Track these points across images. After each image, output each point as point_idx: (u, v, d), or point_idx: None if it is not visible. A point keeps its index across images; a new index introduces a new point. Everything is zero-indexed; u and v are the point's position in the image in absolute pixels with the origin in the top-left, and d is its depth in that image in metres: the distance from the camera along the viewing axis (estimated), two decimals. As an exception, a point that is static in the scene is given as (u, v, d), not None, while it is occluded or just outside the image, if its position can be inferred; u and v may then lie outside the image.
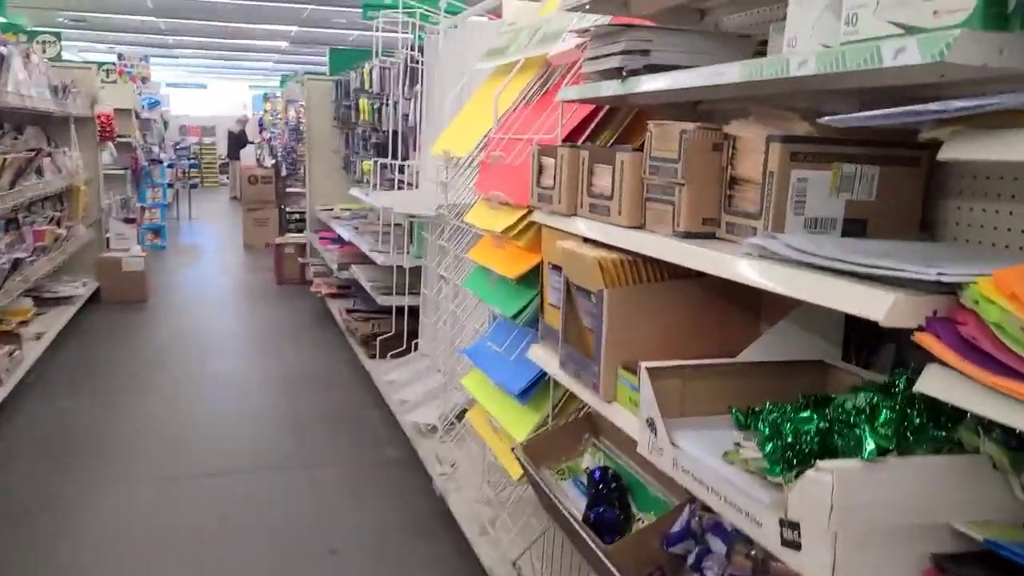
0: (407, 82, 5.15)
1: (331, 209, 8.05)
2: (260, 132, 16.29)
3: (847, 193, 1.53)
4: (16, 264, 4.83)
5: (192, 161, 18.49)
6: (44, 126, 7.11)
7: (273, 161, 12.28)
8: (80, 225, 7.08)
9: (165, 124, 13.58)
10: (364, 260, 6.10)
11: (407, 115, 5.40)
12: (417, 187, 5.09)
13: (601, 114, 2.40)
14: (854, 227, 1.55)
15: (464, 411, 3.63)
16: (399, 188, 5.36)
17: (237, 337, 6.62)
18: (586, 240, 2.08)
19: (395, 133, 6.20)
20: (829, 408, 1.41)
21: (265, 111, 15.42)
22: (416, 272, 5.00)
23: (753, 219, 1.55)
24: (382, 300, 5.14)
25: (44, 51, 7.81)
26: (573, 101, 2.29)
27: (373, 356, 5.26)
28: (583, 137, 2.40)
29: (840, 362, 1.68)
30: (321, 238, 7.90)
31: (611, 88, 1.97)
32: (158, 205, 10.91)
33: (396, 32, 5.12)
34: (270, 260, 9.61)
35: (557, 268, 2.24)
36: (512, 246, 2.51)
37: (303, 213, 10.07)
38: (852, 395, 1.40)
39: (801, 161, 1.49)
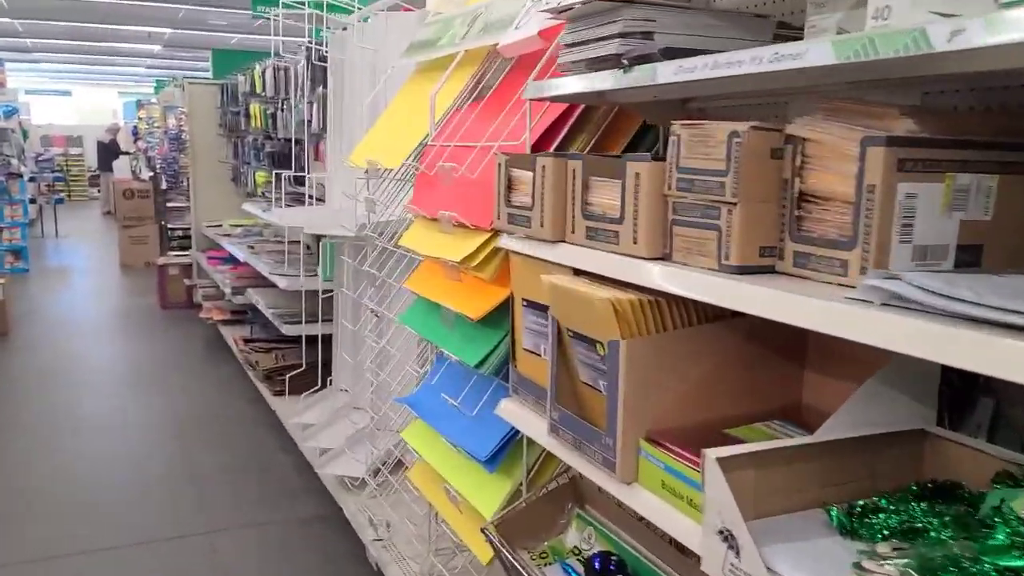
0: (309, 83, 4.60)
1: (220, 225, 7.35)
2: (135, 142, 15.12)
3: (960, 211, 1.17)
4: None
5: (57, 174, 17.01)
6: None
7: (151, 173, 11.32)
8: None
9: (25, 134, 12.33)
10: (263, 283, 5.49)
11: (309, 120, 4.85)
12: (324, 202, 4.55)
13: (574, 116, 1.99)
14: (968, 255, 1.19)
15: (398, 461, 3.15)
16: (304, 203, 4.80)
17: (118, 373, 5.85)
18: (577, 272, 1.66)
19: (295, 141, 5.63)
20: (970, 508, 1.04)
21: (140, 119, 14.30)
22: (326, 296, 4.46)
23: (842, 249, 1.16)
24: (288, 329, 4.56)
25: None
26: (547, 99, 1.87)
27: (280, 393, 4.67)
28: (554, 144, 1.98)
29: (938, 428, 1.32)
30: (210, 258, 7.18)
31: (607, 81, 1.56)
32: (18, 224, 9.81)
33: (296, 25, 4.57)
34: (152, 282, 8.77)
35: (537, 307, 1.81)
36: (470, 277, 2.06)
37: (187, 229, 9.27)
38: (1007, 489, 1.03)
39: (910, 171, 1.12)
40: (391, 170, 2.71)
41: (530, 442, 2.01)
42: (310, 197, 4.84)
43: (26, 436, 4.49)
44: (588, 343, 1.52)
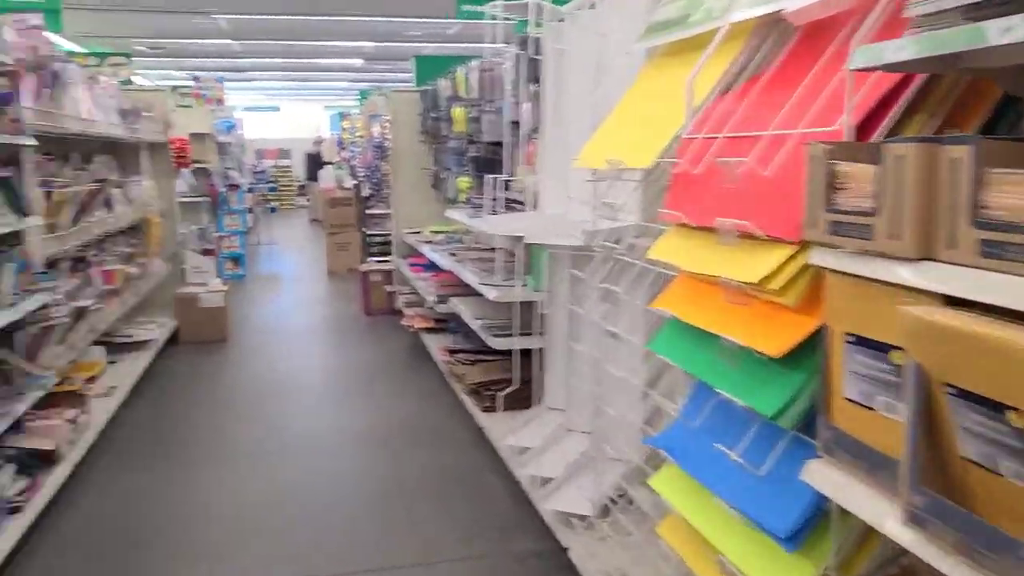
0: (520, 82, 4.33)
1: (419, 232, 7.32)
2: (339, 152, 15.82)
3: None
4: (80, 313, 4.20)
5: (270, 185, 18.19)
6: (114, 154, 6.59)
7: (354, 182, 11.68)
8: (156, 260, 6.51)
9: (243, 148, 13.19)
10: (466, 291, 5.31)
11: (517, 122, 4.59)
12: (532, 208, 4.27)
13: (909, 91, 1.51)
14: None
15: (623, 492, 2.77)
16: (511, 209, 4.55)
17: (326, 382, 5.91)
18: (951, 302, 1.20)
19: (499, 144, 5.41)
20: None
21: (343, 129, 14.91)
22: (532, 307, 4.17)
23: None
24: (496, 342, 4.31)
25: (115, 73, 7.35)
26: (882, 68, 1.41)
27: (489, 409, 4.44)
28: (879, 129, 1.51)
29: None
30: (411, 265, 7.17)
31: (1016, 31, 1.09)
32: (237, 232, 10.42)
33: (500, 21, 4.33)
34: (355, 288, 8.96)
35: (871, 345, 1.36)
36: (760, 302, 1.63)
37: (386, 236, 9.43)
38: None
39: None
40: (644, 169, 2.33)
41: (843, 515, 1.55)
42: (518, 203, 4.58)
43: (245, 449, 4.53)
44: (991, 409, 1.06)
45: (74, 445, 3.89)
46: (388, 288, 8.14)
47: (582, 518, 2.99)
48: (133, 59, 8.47)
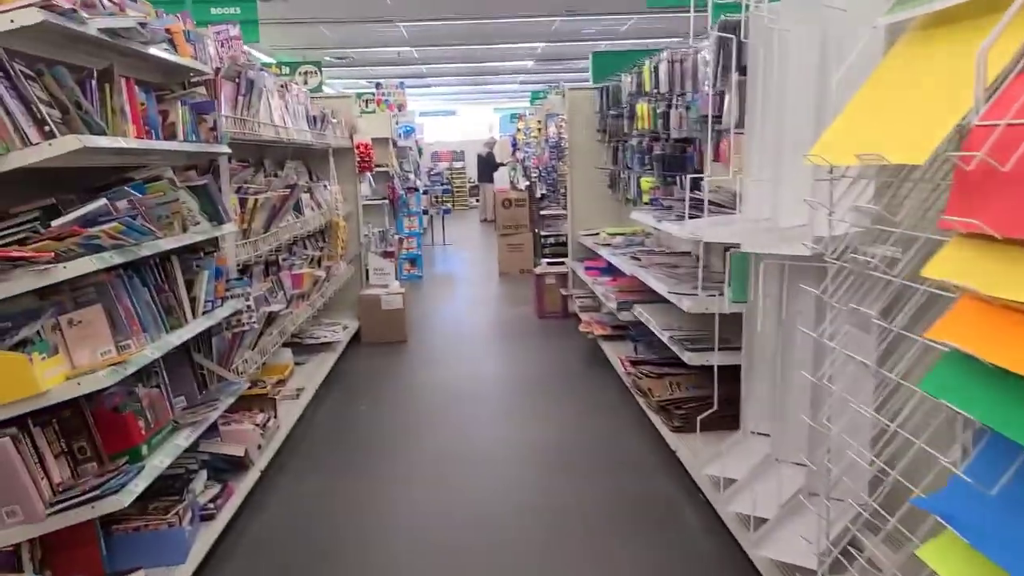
0: (719, 72, 3.92)
1: (596, 234, 7.01)
2: (512, 153, 15.82)
3: None
4: (271, 318, 4.22)
5: (444, 186, 18.54)
6: (305, 159, 6.75)
7: (527, 182, 11.56)
8: (340, 263, 6.60)
9: (419, 151, 13.43)
10: (650, 298, 4.95)
11: (716, 115, 4.17)
12: (738, 210, 3.83)
13: None
14: None
15: (855, 543, 2.32)
16: (702, 211, 4.13)
17: (501, 388, 5.73)
18: None
19: (688, 141, 5.00)
20: None
21: (518, 130, 14.88)
22: (730, 319, 3.74)
23: None
24: (692, 358, 3.92)
25: (306, 82, 7.56)
26: None
27: (680, 430, 4.07)
28: None
29: None
30: (587, 268, 6.87)
31: None
32: (414, 234, 10.56)
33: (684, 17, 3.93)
34: (527, 290, 8.79)
35: None
36: None
37: (559, 237, 9.20)
38: None
39: None
40: (918, 167, 1.89)
41: None
42: (714, 204, 4.16)
43: (423, 459, 4.41)
44: None
45: (263, 450, 3.88)
46: (563, 291, 7.90)
47: (805, 572, 2.56)
48: (322, 70, 8.74)
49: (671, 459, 4.01)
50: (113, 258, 2.48)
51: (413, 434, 4.73)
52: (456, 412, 5.11)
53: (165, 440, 2.92)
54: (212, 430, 3.55)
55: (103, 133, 2.55)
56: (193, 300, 3.25)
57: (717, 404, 3.78)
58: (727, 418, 3.77)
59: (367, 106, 10.16)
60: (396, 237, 8.22)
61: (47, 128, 2.32)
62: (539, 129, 10.62)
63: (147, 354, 2.68)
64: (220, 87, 3.68)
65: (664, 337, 4.34)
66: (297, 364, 5.50)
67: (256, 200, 4.11)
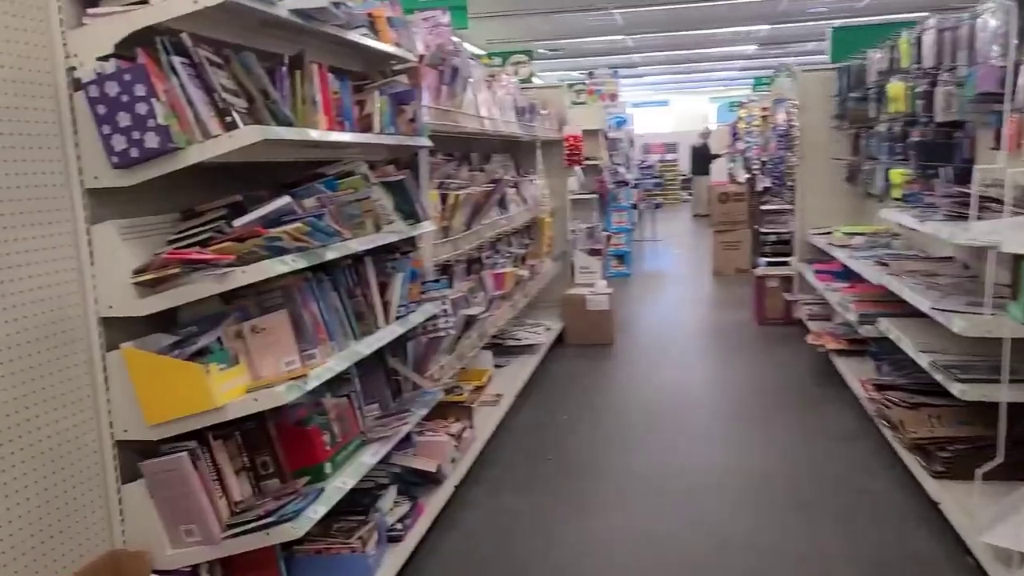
0: (1010, 38, 3.11)
1: (829, 233, 6.16)
2: (732, 143, 14.85)
3: None
4: (470, 321, 3.95)
5: (656, 180, 17.86)
6: (513, 153, 6.50)
7: (747, 175, 10.70)
8: (546, 260, 6.30)
9: (631, 143, 12.92)
10: (900, 311, 4.17)
11: (993, 93, 3.34)
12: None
13: None
14: None
15: None
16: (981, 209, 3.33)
17: (715, 402, 5.13)
18: None
19: (957, 125, 4.16)
20: None
21: (739, 118, 13.91)
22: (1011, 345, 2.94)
23: None
24: (965, 391, 3.15)
25: (516, 72, 7.34)
26: None
27: (943, 475, 3.32)
28: None
29: None
30: (817, 271, 6.07)
31: None
32: (623, 230, 10.09)
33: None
34: (744, 291, 8.07)
35: None
36: None
37: (783, 235, 8.35)
38: None
39: None
40: None
41: None
42: (992, 200, 3.34)
43: (626, 483, 3.96)
44: None
45: (456, 464, 3.61)
46: (786, 296, 7.11)
47: None
48: (532, 60, 8.48)
49: (930, 511, 3.28)
50: (296, 262, 2.25)
51: (616, 451, 4.29)
52: (664, 428, 4.60)
53: (351, 457, 2.70)
54: (405, 441, 3.32)
55: (290, 124, 2.33)
56: (386, 305, 3.01)
57: (1003, 450, 3.00)
58: (1014, 467, 3.00)
59: (578, 97, 9.81)
60: (604, 234, 7.80)
61: (228, 119, 2.12)
62: (763, 117, 9.74)
63: (331, 366, 2.44)
64: (423, 76, 3.44)
65: (923, 362, 3.58)
66: (497, 367, 5.24)
67: (457, 196, 3.85)
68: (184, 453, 2.18)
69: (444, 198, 3.83)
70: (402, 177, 3.05)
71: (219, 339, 2.28)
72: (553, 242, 6.45)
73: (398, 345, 3.45)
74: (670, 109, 26.00)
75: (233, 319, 2.34)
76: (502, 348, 5.63)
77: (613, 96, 10.84)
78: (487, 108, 4.61)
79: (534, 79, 8.17)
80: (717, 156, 16.16)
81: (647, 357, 6.27)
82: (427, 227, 3.33)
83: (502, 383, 4.97)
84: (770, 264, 8.04)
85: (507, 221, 5.17)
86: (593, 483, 3.88)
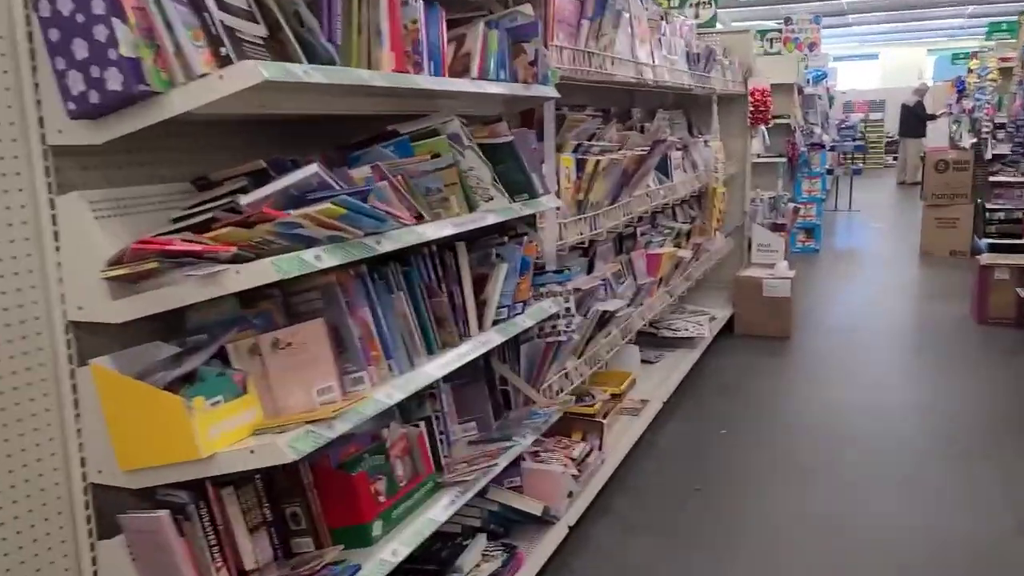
0: None
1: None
2: (957, 100, 12.75)
3: None
4: (605, 318, 3.18)
5: (857, 143, 15.90)
6: (687, 109, 5.56)
7: (973, 140, 9.01)
8: (716, 236, 5.35)
9: (830, 100, 11.35)
10: None
11: None
12: None
13: None
14: None
15: None
16: None
17: (923, 428, 4.05)
18: None
19: None
20: None
21: (969, 71, 11.85)
22: None
23: None
24: None
25: (696, 15, 6.32)
26: None
27: None
28: None
29: None
30: (1071, 266, 4.73)
31: None
32: (814, 200, 8.79)
33: None
34: (960, 279, 6.70)
35: None
36: None
37: (1014, 214, 6.86)
38: None
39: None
40: None
41: None
42: None
43: (799, 535, 3.07)
44: None
45: (575, 497, 2.88)
46: (1020, 291, 5.73)
47: None
48: (718, 6, 7.35)
49: None
50: (323, 259, 1.58)
51: (785, 486, 3.40)
52: (848, 460, 3.63)
53: (415, 510, 2.04)
54: (511, 466, 2.62)
55: (332, 61, 1.64)
56: (481, 305, 2.31)
57: None
58: None
59: (771, 46, 8.56)
60: (790, 206, 6.67)
61: (223, 51, 1.46)
62: (1001, 70, 8.04)
63: (381, 399, 1.78)
64: (553, 6, 2.65)
65: None
66: (645, 363, 4.43)
67: (598, 163, 3.05)
68: (164, 513, 1.61)
69: (581, 165, 3.05)
70: (510, 138, 2.30)
71: (222, 357, 1.68)
72: (725, 215, 5.47)
73: (509, 347, 2.76)
74: (878, 63, 23.27)
75: (231, 333, 1.71)
76: (655, 340, 4.80)
77: (813, 46, 9.42)
78: (648, 52, 3.74)
79: (718, 24, 7.10)
80: (933, 117, 14.03)
81: (832, 359, 5.20)
82: (548, 203, 2.58)
83: (649, 385, 4.16)
84: (994, 249, 6.61)
85: (668, 191, 4.30)
86: (756, 529, 3.03)
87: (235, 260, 1.56)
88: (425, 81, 1.90)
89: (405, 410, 2.28)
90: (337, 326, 1.82)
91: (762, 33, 8.51)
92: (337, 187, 1.67)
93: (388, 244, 1.80)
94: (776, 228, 6.18)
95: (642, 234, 4.35)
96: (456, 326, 2.19)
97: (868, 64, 22.97)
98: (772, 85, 6.43)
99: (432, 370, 1.99)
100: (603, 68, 3.11)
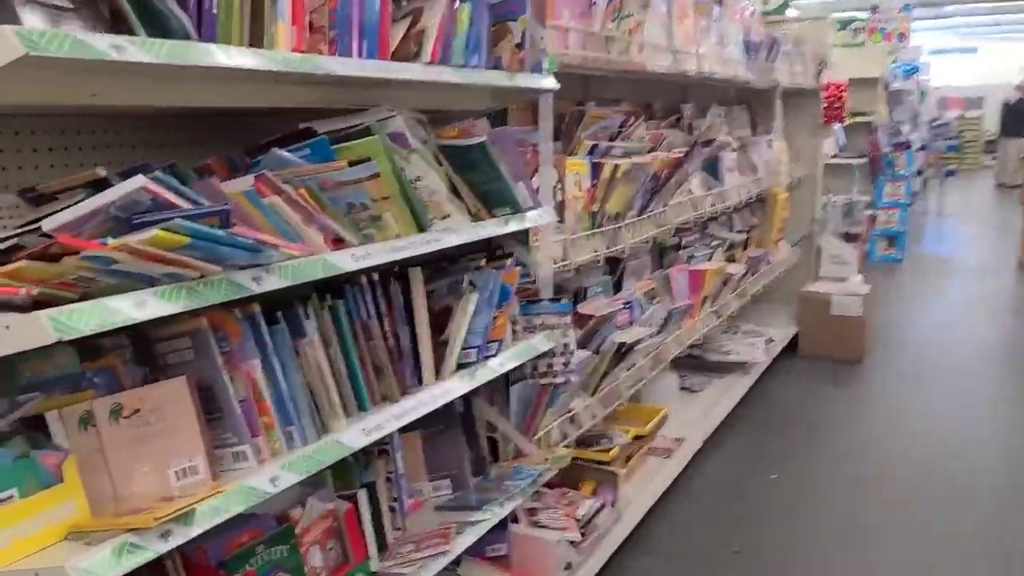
0: None
1: None
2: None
3: None
4: (623, 350, 2.65)
5: (950, 142, 14.67)
6: (750, 104, 4.95)
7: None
8: (779, 247, 4.72)
9: (921, 96, 10.37)
10: None
11: None
12: None
13: None
14: None
15: None
16: None
17: (1019, 480, 3.36)
18: None
19: None
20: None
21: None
22: None
23: None
24: None
25: (765, 2, 5.66)
26: None
27: None
28: None
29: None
30: None
31: None
32: (898, 204, 7.94)
33: None
34: (1071, 303, 5.83)
35: None
36: None
37: None
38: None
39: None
40: None
41: None
42: None
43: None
44: None
45: (574, 570, 2.37)
46: None
47: None
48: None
49: None
50: (148, 306, 1.13)
51: (845, 547, 2.80)
52: (926, 519, 2.99)
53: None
54: (497, 529, 2.13)
55: (185, 36, 1.19)
56: (441, 346, 1.83)
57: None
58: None
59: (855, 36, 7.77)
60: (867, 213, 5.94)
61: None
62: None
63: (257, 487, 1.32)
64: (553, -22, 2.14)
65: None
66: (686, 391, 3.87)
67: (617, 168, 2.52)
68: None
69: (597, 170, 2.53)
70: (480, 139, 1.81)
71: (43, 428, 1.25)
72: (789, 223, 4.83)
73: (496, 389, 2.28)
74: (978, 58, 21.59)
75: (72, 390, 1.28)
76: (700, 363, 4.22)
77: (901, 37, 8.53)
78: (691, 39, 3.17)
79: (792, 11, 6.40)
80: (1037, 114, 12.79)
81: (911, 388, 4.50)
82: (538, 218, 2.07)
83: (687, 419, 3.60)
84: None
85: (717, 198, 3.72)
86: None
87: (46, 303, 1.13)
88: (333, 64, 1.43)
89: (343, 472, 1.83)
90: (211, 384, 1.37)
91: (844, 23, 7.72)
92: (190, 205, 1.22)
93: (275, 280, 1.34)
94: (849, 238, 5.49)
95: (686, 245, 3.79)
96: (398, 376, 1.71)
97: (966, 59, 21.34)
98: (854, 80, 5.72)
99: (351, 438, 1.52)
100: (626, 56, 2.57)
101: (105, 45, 1.06)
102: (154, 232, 1.12)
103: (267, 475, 1.35)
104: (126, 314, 1.10)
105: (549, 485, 2.49)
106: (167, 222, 1.13)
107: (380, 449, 1.90)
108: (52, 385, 1.31)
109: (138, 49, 1.10)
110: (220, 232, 1.18)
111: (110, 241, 1.11)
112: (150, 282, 1.20)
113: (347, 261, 1.47)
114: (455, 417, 2.17)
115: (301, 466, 1.41)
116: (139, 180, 1.13)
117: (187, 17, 1.20)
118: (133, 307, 1.11)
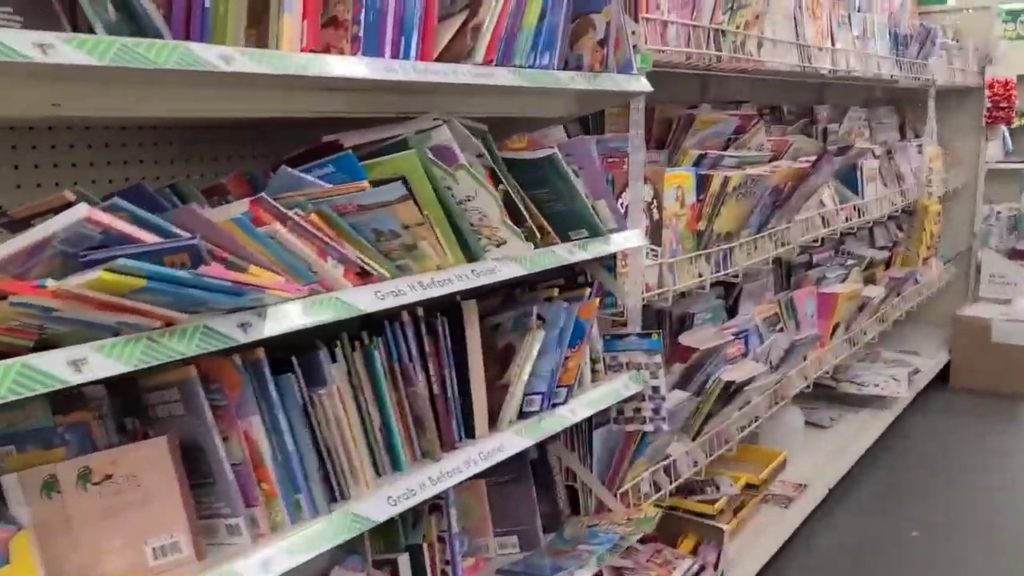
0: None
1: None
2: None
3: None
4: (731, 390, 2.26)
5: None
6: (900, 105, 4.37)
7: None
8: (928, 266, 4.10)
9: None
10: None
11: None
12: None
13: None
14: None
15: None
16: None
17: None
18: None
19: None
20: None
21: None
22: None
23: None
24: None
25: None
26: None
27: None
28: None
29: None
30: None
31: None
32: (1076, 215, 6.90)
33: None
34: None
35: None
36: None
37: None
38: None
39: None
40: None
41: None
42: None
43: None
44: None
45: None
46: None
47: None
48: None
49: None
50: (88, 366, 0.91)
51: None
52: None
53: None
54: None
55: (157, 35, 0.97)
56: (498, 392, 1.54)
57: None
58: None
59: (1025, 28, 6.80)
60: (1039, 226, 5.14)
61: None
62: None
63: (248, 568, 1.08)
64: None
65: None
66: (812, 426, 3.39)
67: (727, 180, 2.14)
68: None
69: (703, 183, 2.16)
70: (549, 152, 1.50)
71: (-4, 495, 1.06)
72: (939, 238, 4.19)
73: (577, 435, 1.96)
74: None
75: (43, 447, 1.09)
76: (832, 394, 3.71)
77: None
78: (824, 32, 2.71)
79: (952, 1, 5.64)
80: None
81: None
82: (623, 242, 1.74)
83: (813, 461, 3.12)
84: None
85: (855, 212, 3.22)
86: None
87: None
88: (344, 67, 1.16)
89: (391, 527, 1.57)
90: (201, 445, 1.15)
91: (1014, 14, 6.78)
92: (159, 239, 0.99)
93: (270, 326, 1.09)
94: (1016, 255, 4.74)
95: (817, 264, 3.31)
96: (444, 428, 1.44)
97: None
98: (1019, 76, 4.95)
99: (372, 508, 1.26)
100: (742, 53, 2.19)
101: (27, 44, 0.84)
102: (97, 273, 0.90)
103: (259, 558, 1.11)
104: (57, 378, 0.88)
105: (643, 540, 2.15)
106: (114, 260, 0.90)
107: (433, 505, 1.64)
108: (24, 439, 1.12)
109: (73, 49, 0.88)
110: (183, 273, 0.94)
111: (48, 283, 0.90)
112: (114, 331, 0.98)
113: (368, 299, 1.21)
114: (525, 465, 1.87)
115: (303, 546, 1.16)
116: (80, 211, 0.90)
117: (153, 7, 0.97)
118: (67, 369, 0.89)
